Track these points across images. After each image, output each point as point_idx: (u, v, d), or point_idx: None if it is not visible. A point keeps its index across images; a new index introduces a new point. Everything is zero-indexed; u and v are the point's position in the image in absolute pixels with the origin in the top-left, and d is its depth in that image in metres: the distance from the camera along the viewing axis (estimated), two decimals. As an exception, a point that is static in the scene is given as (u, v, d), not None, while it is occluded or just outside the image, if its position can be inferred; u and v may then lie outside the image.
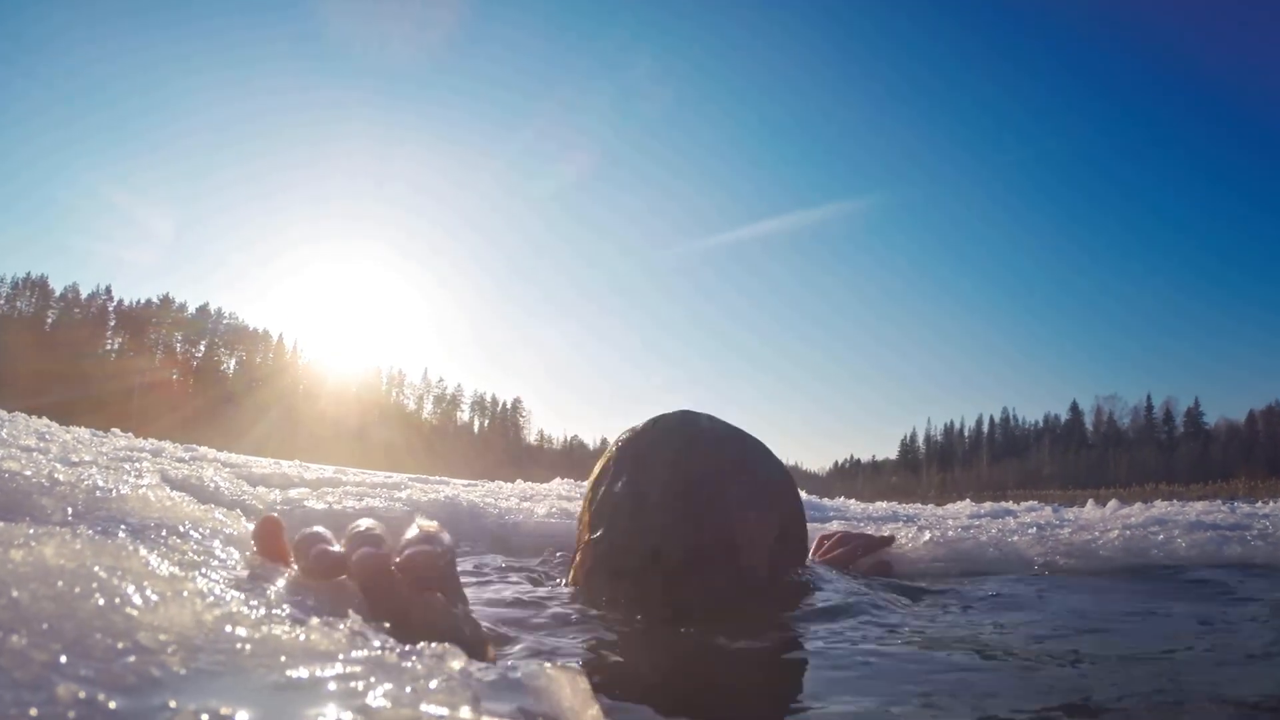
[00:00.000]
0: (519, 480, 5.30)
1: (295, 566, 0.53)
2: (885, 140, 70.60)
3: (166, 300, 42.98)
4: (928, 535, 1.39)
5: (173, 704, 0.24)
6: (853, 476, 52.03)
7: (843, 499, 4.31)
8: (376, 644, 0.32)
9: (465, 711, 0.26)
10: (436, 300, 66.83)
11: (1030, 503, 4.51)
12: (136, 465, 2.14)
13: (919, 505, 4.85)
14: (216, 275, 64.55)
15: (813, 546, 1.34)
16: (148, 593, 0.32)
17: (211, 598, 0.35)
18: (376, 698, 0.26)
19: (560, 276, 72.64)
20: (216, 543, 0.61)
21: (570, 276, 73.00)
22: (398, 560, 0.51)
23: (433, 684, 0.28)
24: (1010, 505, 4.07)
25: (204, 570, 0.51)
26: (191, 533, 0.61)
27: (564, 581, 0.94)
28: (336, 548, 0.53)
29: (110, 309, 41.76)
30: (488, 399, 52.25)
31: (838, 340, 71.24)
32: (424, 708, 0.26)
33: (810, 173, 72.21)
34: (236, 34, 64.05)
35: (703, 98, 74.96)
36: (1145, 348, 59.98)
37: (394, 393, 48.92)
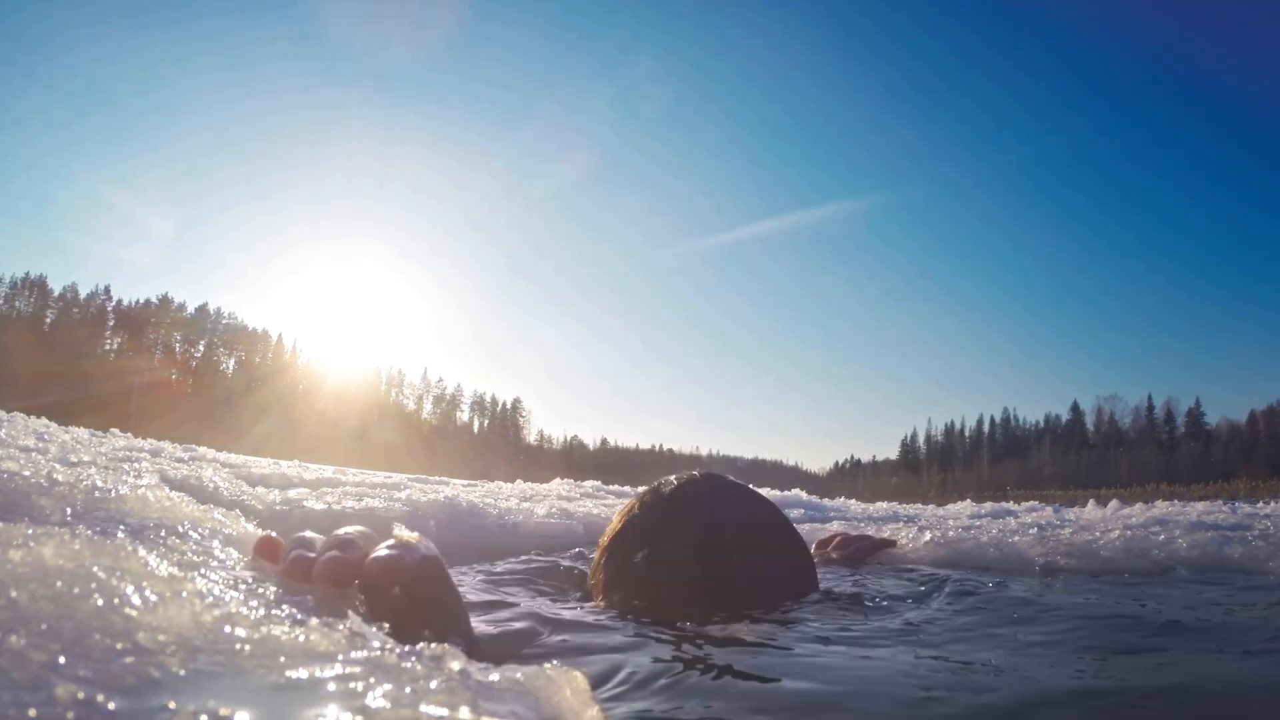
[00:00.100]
0: (519, 480, 5.30)
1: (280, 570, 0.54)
2: (885, 140, 70.89)
3: (165, 300, 43.00)
4: (928, 536, 1.39)
5: (172, 705, 0.24)
6: (853, 477, 52.09)
7: (843, 499, 4.31)
8: (376, 645, 0.32)
9: (464, 712, 0.26)
10: (436, 300, 67.00)
11: (1031, 503, 4.51)
12: (135, 465, 2.13)
13: (919, 505, 4.85)
14: (216, 275, 64.69)
15: (813, 548, 1.34)
16: (147, 593, 0.32)
17: (211, 598, 0.35)
18: (376, 698, 0.26)
19: (560, 276, 72.76)
20: (216, 543, 0.61)
21: (570, 276, 73.12)
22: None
23: (432, 685, 0.28)
24: (1011, 505, 4.07)
25: (203, 571, 0.51)
26: (190, 533, 0.61)
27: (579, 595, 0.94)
28: (313, 553, 0.54)
29: (109, 309, 41.79)
30: (487, 399, 52.34)
31: (838, 340, 71.41)
32: (423, 708, 0.26)
33: (810, 172, 72.47)
34: (236, 34, 64.22)
35: (703, 97, 75.16)
36: (1146, 347, 60.32)
37: (393, 393, 48.98)
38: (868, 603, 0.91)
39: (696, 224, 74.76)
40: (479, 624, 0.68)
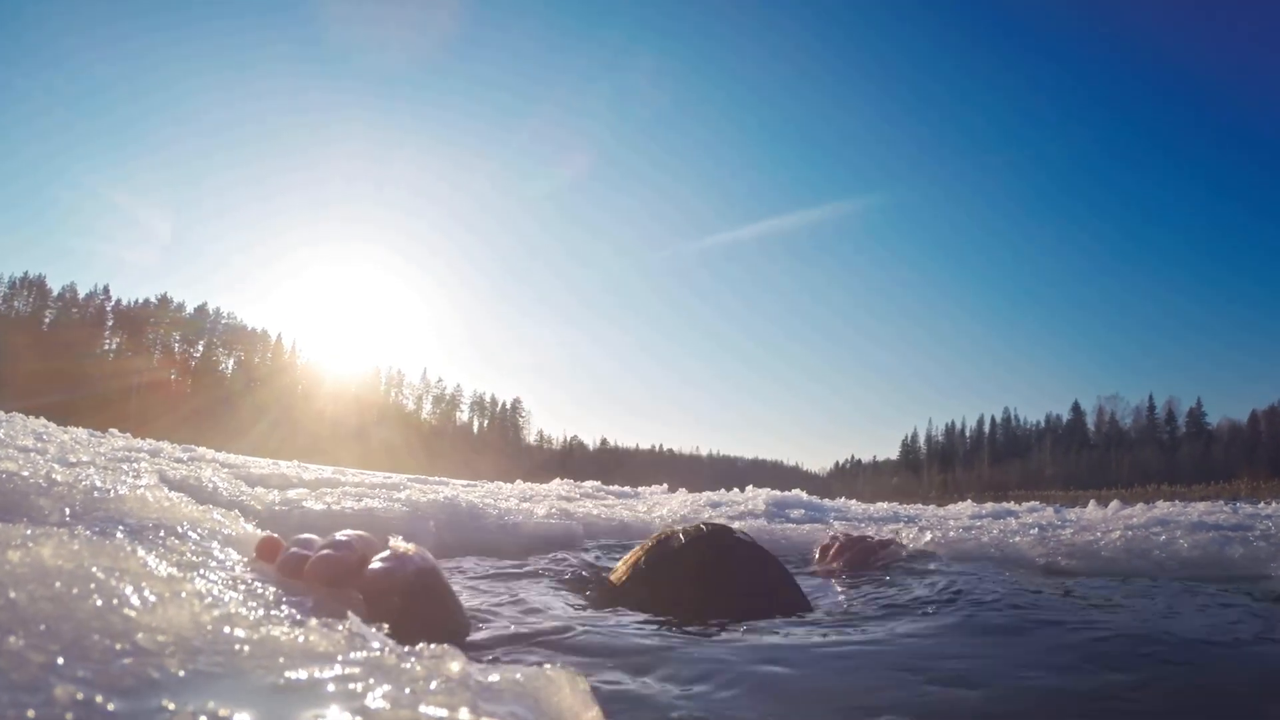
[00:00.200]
0: (518, 481, 5.30)
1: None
2: (885, 141, 70.94)
3: (165, 300, 42.97)
4: (929, 536, 1.38)
5: (171, 706, 0.24)
6: (854, 477, 52.01)
7: (844, 500, 4.30)
8: (375, 645, 0.32)
9: (464, 713, 0.26)
10: (436, 300, 66.96)
11: (1032, 503, 4.50)
12: (134, 466, 2.13)
13: (920, 506, 4.84)
14: (215, 275, 64.63)
15: (816, 552, 1.34)
16: (146, 594, 0.32)
17: (210, 599, 0.35)
18: (375, 699, 0.26)
19: (560, 277, 72.75)
20: (215, 544, 0.61)
21: (570, 277, 73.10)
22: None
23: (432, 685, 0.28)
24: (1012, 506, 4.06)
25: (202, 571, 0.51)
26: (190, 534, 0.61)
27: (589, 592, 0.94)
28: (308, 551, 0.55)
29: (108, 309, 41.75)
30: (487, 399, 52.31)
31: (839, 341, 71.37)
32: (423, 709, 0.26)
33: (811, 173, 72.48)
34: (235, 36, 64.21)
35: (700, 98, 75.20)
36: (1147, 348, 60.12)
37: (393, 393, 48.94)
38: (864, 607, 0.91)
39: (696, 224, 74.91)
40: (481, 629, 0.68)
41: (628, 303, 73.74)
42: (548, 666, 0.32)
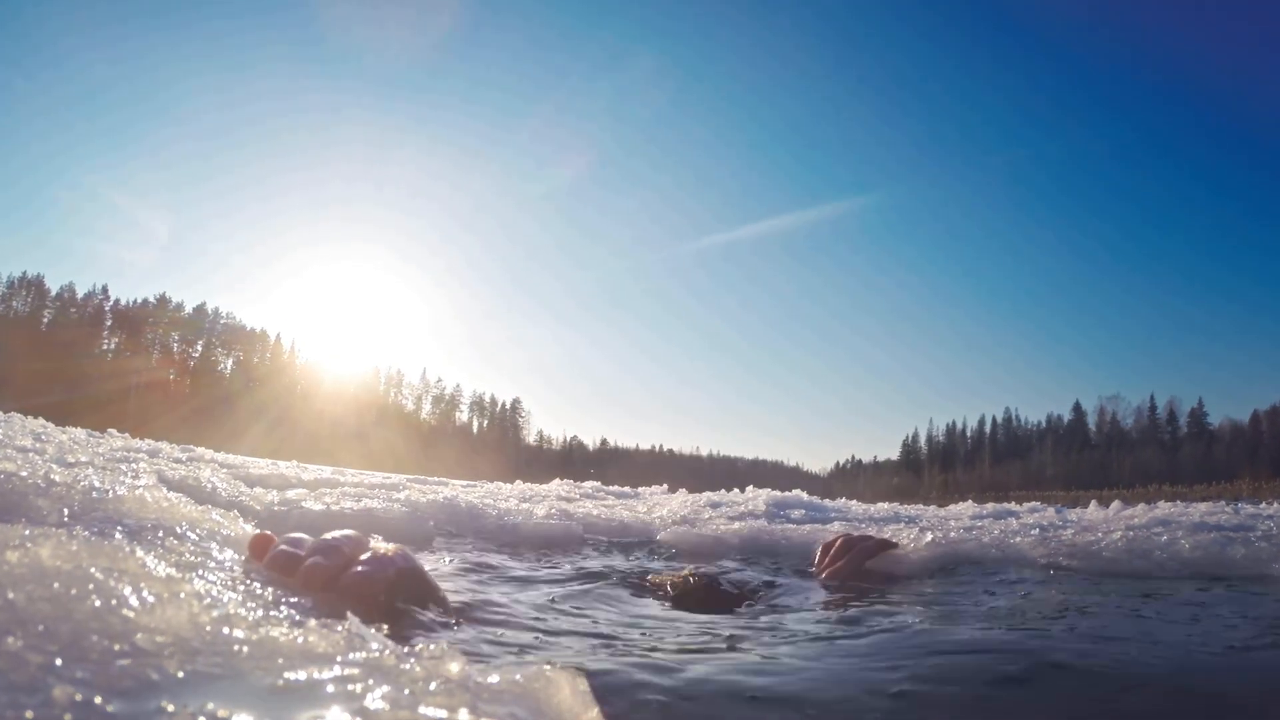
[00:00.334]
0: (518, 481, 5.30)
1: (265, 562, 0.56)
2: (886, 141, 70.95)
3: (163, 300, 42.92)
4: (930, 537, 1.38)
5: (170, 707, 0.24)
6: (854, 477, 51.99)
7: (844, 500, 4.29)
8: (375, 646, 0.32)
9: (463, 714, 0.26)
10: (435, 301, 66.94)
11: (1033, 504, 4.49)
12: (133, 466, 2.13)
13: (921, 506, 4.83)
14: (214, 275, 64.58)
15: (816, 555, 1.34)
16: (144, 594, 0.32)
17: (209, 599, 0.34)
18: (375, 700, 0.26)
19: (559, 277, 72.73)
20: (214, 544, 0.61)
21: (569, 277, 73.08)
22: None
23: (431, 686, 0.28)
24: (1013, 506, 4.06)
25: (201, 572, 0.51)
26: (189, 534, 0.61)
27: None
28: (299, 551, 0.56)
29: (107, 309, 41.71)
30: (487, 399, 52.29)
31: (840, 341, 71.34)
32: (422, 710, 0.26)
33: (810, 174, 72.50)
34: (233, 36, 64.17)
35: (700, 99, 75.23)
36: (1148, 348, 60.01)
37: (392, 393, 48.91)
38: (863, 610, 0.90)
39: (696, 225, 74.93)
40: (466, 624, 0.67)
41: (628, 303, 73.83)
42: (547, 667, 0.32)
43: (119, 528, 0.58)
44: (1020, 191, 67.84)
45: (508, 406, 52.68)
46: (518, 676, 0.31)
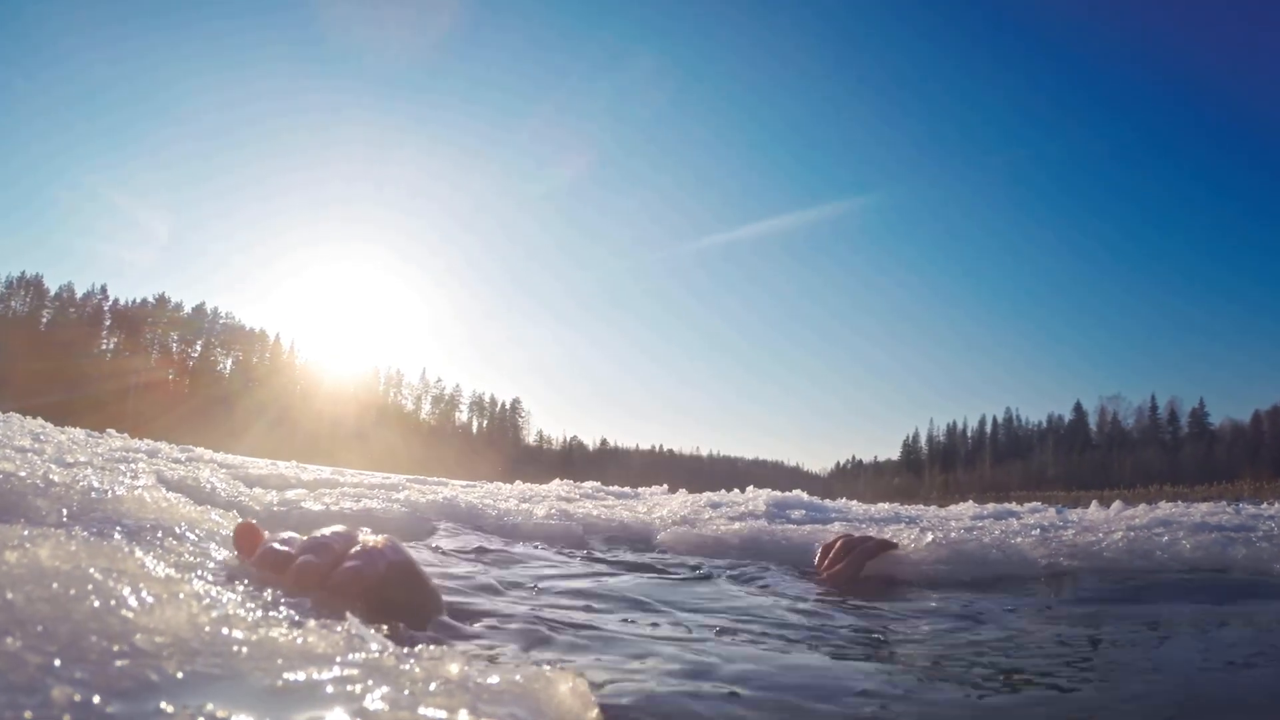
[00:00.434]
0: (518, 481, 5.29)
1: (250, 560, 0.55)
2: (886, 141, 70.76)
3: (162, 300, 42.92)
4: (930, 537, 1.38)
5: (169, 708, 0.24)
6: (855, 478, 51.94)
7: (844, 500, 4.29)
8: (375, 647, 0.32)
9: (463, 715, 0.26)
10: (435, 300, 66.89)
11: (1034, 504, 4.49)
12: (132, 466, 2.13)
13: (922, 507, 4.83)
14: (213, 275, 64.50)
15: (817, 555, 1.34)
16: (143, 595, 0.32)
17: (208, 600, 0.34)
18: (374, 701, 0.26)
19: (559, 277, 72.69)
20: (213, 545, 0.61)
21: (569, 277, 73.04)
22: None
23: (431, 687, 0.28)
24: (1013, 506, 4.05)
25: (200, 572, 0.51)
26: (188, 534, 0.61)
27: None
28: (287, 548, 0.55)
29: (106, 309, 41.69)
30: (486, 399, 52.28)
31: (840, 340, 71.21)
32: (422, 711, 0.26)
33: (810, 173, 72.40)
34: (232, 35, 64.08)
35: (699, 100, 75.15)
36: (1149, 347, 59.68)
37: (392, 393, 48.90)
38: (861, 614, 0.90)
39: (696, 225, 74.87)
40: (458, 616, 0.67)
41: (628, 302, 73.79)
42: (547, 667, 0.32)
43: (118, 528, 0.58)
44: (1020, 191, 67.90)
45: (507, 406, 52.72)
46: (517, 677, 0.31)
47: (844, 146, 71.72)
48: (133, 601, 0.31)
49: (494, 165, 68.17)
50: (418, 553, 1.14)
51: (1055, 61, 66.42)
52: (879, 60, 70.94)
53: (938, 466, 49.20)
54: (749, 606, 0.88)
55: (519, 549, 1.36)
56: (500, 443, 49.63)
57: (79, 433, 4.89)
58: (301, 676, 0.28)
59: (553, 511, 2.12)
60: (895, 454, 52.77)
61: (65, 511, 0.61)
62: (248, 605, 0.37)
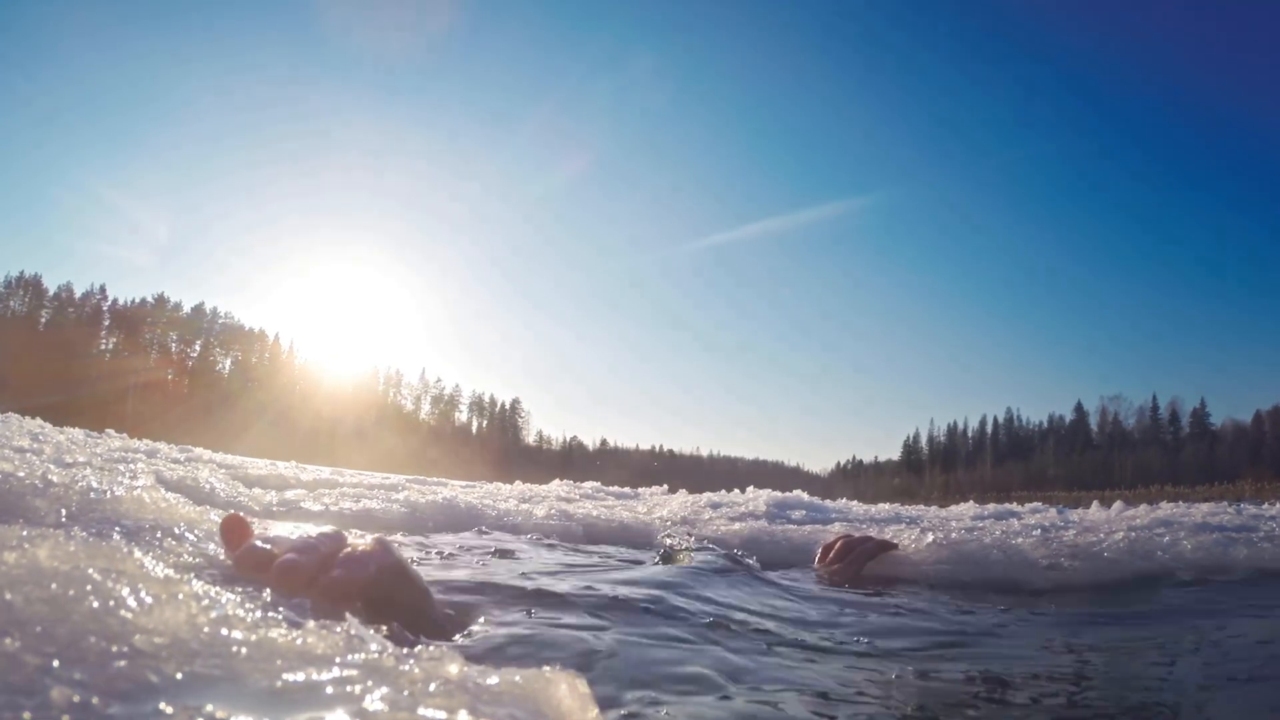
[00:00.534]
0: (517, 481, 5.29)
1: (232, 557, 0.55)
2: (887, 141, 70.73)
3: (161, 300, 42.88)
4: (931, 537, 1.38)
5: (168, 709, 0.24)
6: (855, 478, 51.92)
7: (845, 501, 4.29)
8: (374, 648, 0.32)
9: (463, 715, 0.26)
10: (435, 300, 66.88)
11: (1035, 504, 4.46)
12: (131, 466, 2.13)
13: (922, 507, 4.82)
14: (212, 275, 64.45)
15: (817, 555, 1.34)
16: (142, 596, 0.32)
17: (207, 600, 0.34)
18: (373, 702, 0.26)
19: (559, 276, 72.70)
20: (212, 545, 0.61)
21: (569, 277, 73.05)
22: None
23: (430, 688, 0.28)
24: (1014, 507, 4.04)
25: (199, 573, 0.51)
26: (187, 535, 0.61)
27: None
28: (271, 547, 0.54)
29: (105, 308, 41.66)
30: (486, 399, 52.27)
31: (840, 341, 71.19)
32: (421, 712, 0.26)
33: (810, 173, 72.42)
34: (231, 33, 64.12)
35: (702, 97, 75.19)
36: (1151, 347, 59.57)
37: (391, 393, 48.89)
38: (861, 613, 0.90)
39: (696, 225, 74.90)
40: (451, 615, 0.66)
41: (627, 302, 73.78)
42: (547, 668, 0.32)
43: (117, 528, 0.58)
44: (1021, 191, 67.90)
45: (507, 407, 52.70)
46: (517, 678, 0.30)
47: (844, 147, 71.84)
48: (132, 602, 0.31)
49: (494, 165, 68.29)
50: (414, 554, 1.14)
51: (1055, 63, 66.61)
52: (881, 60, 71.09)
53: (938, 467, 49.14)
54: (749, 606, 0.88)
55: (518, 549, 1.36)
56: (500, 443, 49.60)
57: (78, 433, 4.89)
58: (301, 677, 0.28)
59: (552, 512, 2.12)
60: (896, 454, 52.80)
61: (64, 512, 0.61)
62: (247, 606, 0.37)
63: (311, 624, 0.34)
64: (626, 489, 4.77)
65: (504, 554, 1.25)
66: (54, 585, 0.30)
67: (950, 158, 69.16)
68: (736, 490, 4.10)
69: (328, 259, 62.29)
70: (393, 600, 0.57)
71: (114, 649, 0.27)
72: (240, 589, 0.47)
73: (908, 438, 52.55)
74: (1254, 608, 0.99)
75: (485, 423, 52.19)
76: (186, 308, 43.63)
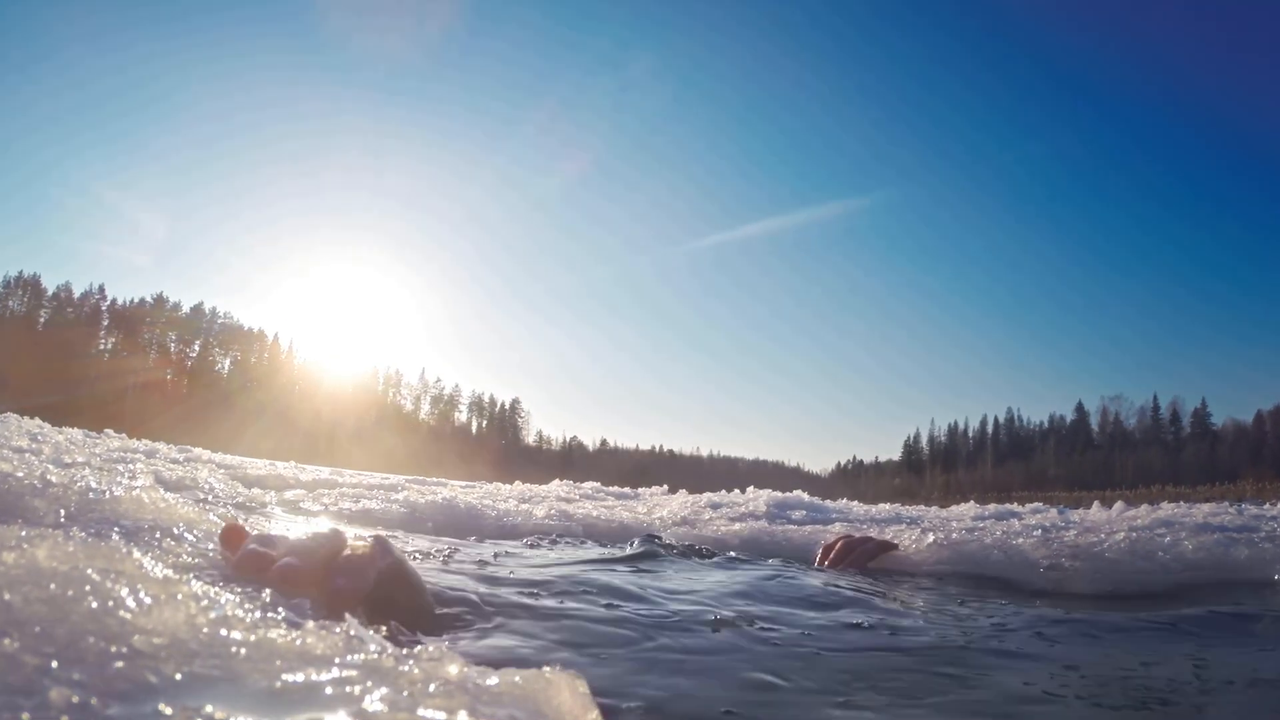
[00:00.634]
0: (517, 482, 5.30)
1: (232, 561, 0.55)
2: (888, 139, 70.36)
3: (160, 299, 42.85)
4: (931, 538, 1.38)
5: (167, 710, 0.24)
6: (856, 478, 51.89)
7: (845, 501, 4.29)
8: (374, 648, 0.32)
9: (462, 716, 0.26)
10: (434, 300, 66.78)
11: (1035, 504, 4.47)
12: (130, 466, 2.13)
13: (923, 507, 4.81)
14: (211, 275, 64.24)
15: (818, 556, 1.34)
16: (141, 596, 0.32)
17: (206, 601, 0.34)
18: (373, 702, 0.26)
19: (559, 276, 72.61)
20: (211, 545, 0.61)
21: (569, 276, 72.97)
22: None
23: (430, 688, 0.28)
24: (1015, 507, 4.04)
25: (198, 573, 0.51)
26: (186, 535, 0.61)
27: None
28: (270, 550, 0.55)
29: (104, 308, 41.61)
30: (485, 400, 52.24)
31: (840, 340, 71.00)
32: (421, 713, 0.26)
33: (812, 171, 72.13)
34: (231, 32, 63.99)
35: (702, 97, 75.01)
36: (1152, 347, 59.22)
37: (391, 393, 48.85)
38: (863, 611, 0.90)
39: (696, 225, 74.76)
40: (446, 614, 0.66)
41: (628, 303, 73.73)
42: (547, 669, 0.32)
43: (116, 529, 0.58)
44: (1022, 191, 67.73)
45: (507, 407, 52.68)
46: (517, 678, 0.30)
47: (844, 147, 71.76)
48: (131, 602, 0.31)
49: (494, 165, 68.21)
50: (415, 554, 1.14)
51: (1054, 63, 66.59)
52: (881, 61, 71.06)
53: (939, 467, 49.11)
54: (749, 605, 0.88)
55: (518, 549, 1.36)
56: (499, 443, 49.58)
57: (77, 433, 4.89)
58: (300, 678, 0.28)
59: (552, 512, 2.12)
60: (896, 454, 52.73)
61: (63, 512, 0.61)
62: (246, 606, 0.37)
63: (311, 624, 0.34)
64: (626, 489, 4.77)
65: (504, 554, 1.25)
66: (53, 585, 0.30)
67: (949, 158, 69.18)
68: (737, 490, 4.10)
69: (327, 259, 62.32)
70: (392, 600, 0.58)
71: (113, 649, 0.27)
72: (239, 589, 0.47)
73: (908, 438, 52.56)
74: (1255, 606, 0.98)
75: (485, 423, 52.20)
76: (186, 307, 43.64)
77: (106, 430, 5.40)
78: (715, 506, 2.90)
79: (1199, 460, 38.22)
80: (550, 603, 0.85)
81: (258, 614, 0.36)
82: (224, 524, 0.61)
